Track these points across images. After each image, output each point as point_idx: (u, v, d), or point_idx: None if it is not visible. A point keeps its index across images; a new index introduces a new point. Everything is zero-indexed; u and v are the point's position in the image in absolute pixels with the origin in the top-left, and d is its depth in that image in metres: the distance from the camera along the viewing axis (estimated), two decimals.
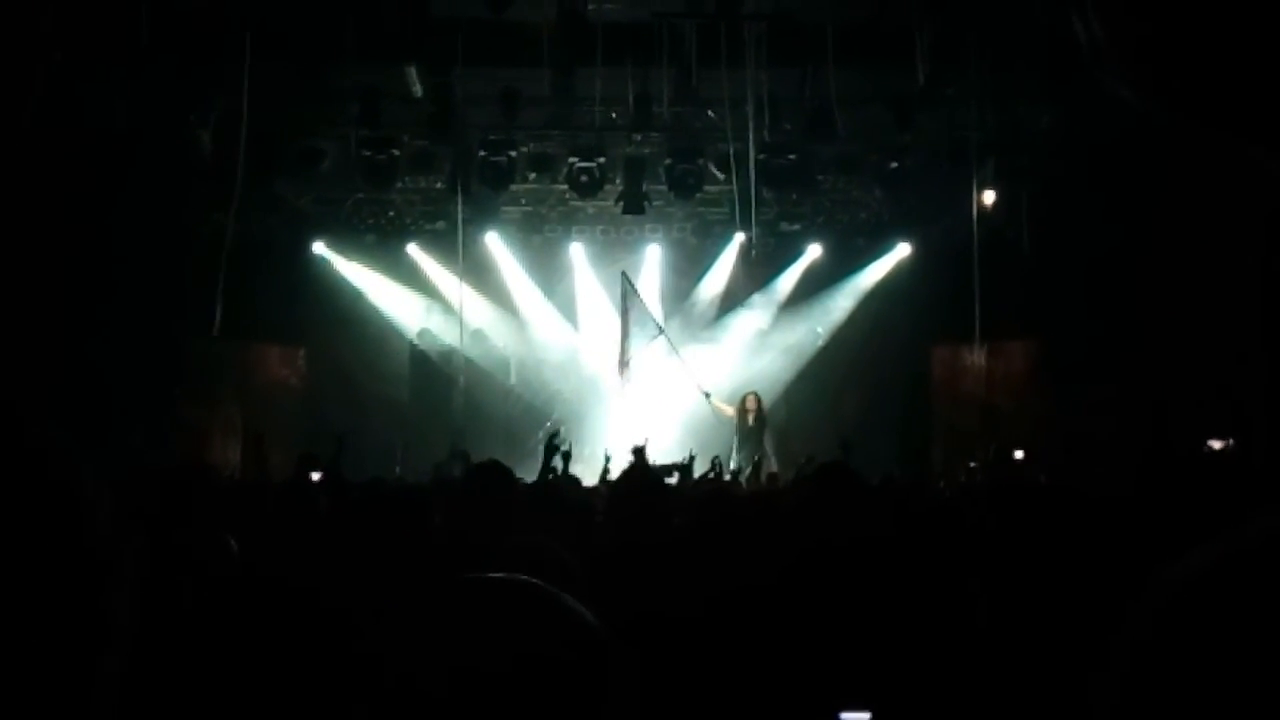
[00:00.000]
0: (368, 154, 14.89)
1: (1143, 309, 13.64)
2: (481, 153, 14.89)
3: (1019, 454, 13.08)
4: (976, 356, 17.27)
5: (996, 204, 15.01)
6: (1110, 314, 14.00)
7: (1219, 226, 12.14)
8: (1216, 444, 9.41)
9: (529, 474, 9.09)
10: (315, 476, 7.13)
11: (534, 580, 1.19)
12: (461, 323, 17.67)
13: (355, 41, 12.83)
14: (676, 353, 16.98)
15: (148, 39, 11.53)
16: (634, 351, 17.05)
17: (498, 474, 5.21)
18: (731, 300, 18.67)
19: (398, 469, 15.06)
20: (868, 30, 13.07)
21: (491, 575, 1.20)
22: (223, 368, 16.58)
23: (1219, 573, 0.64)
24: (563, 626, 1.13)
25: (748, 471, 13.74)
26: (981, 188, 14.95)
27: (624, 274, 17.30)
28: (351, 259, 18.05)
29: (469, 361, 18.34)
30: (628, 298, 17.12)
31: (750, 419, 16.32)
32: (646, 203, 15.83)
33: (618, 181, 15.70)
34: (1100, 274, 14.03)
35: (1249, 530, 0.65)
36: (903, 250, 18.13)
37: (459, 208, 15.77)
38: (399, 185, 16.09)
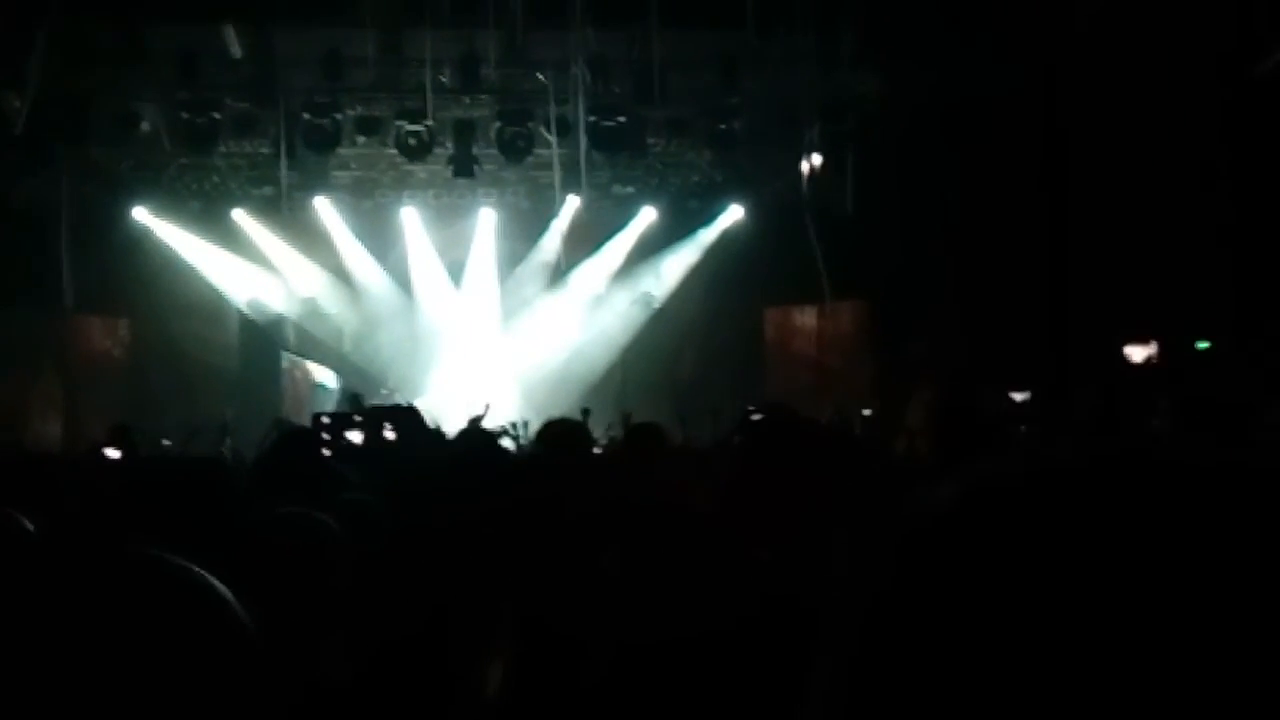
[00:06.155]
0: (187, 117, 14.44)
1: (956, 268, 14.07)
2: (305, 115, 14.54)
3: (866, 411, 13.05)
4: (807, 317, 17.63)
5: (823, 168, 15.26)
6: (928, 275, 14.39)
7: (1030, 189, 12.58)
8: (1017, 396, 9.79)
9: None
10: (114, 454, 6.94)
11: (189, 567, 1.11)
12: (288, 289, 17.32)
13: None
14: None
15: None
16: None
17: (302, 440, 5.18)
18: (567, 263, 18.65)
19: (228, 441, 14.70)
20: None
21: (143, 554, 1.12)
22: (39, 341, 15.95)
23: (974, 507, 0.59)
24: (192, 616, 1.06)
25: None
26: (809, 151, 15.18)
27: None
28: (175, 226, 17.48)
29: (300, 330, 18.01)
30: None
31: None
32: (477, 166, 15.65)
33: (448, 145, 15.48)
34: (920, 236, 14.38)
35: (999, 463, 0.61)
36: (735, 213, 18.31)
37: (284, 172, 15.42)
38: (222, 150, 15.60)
